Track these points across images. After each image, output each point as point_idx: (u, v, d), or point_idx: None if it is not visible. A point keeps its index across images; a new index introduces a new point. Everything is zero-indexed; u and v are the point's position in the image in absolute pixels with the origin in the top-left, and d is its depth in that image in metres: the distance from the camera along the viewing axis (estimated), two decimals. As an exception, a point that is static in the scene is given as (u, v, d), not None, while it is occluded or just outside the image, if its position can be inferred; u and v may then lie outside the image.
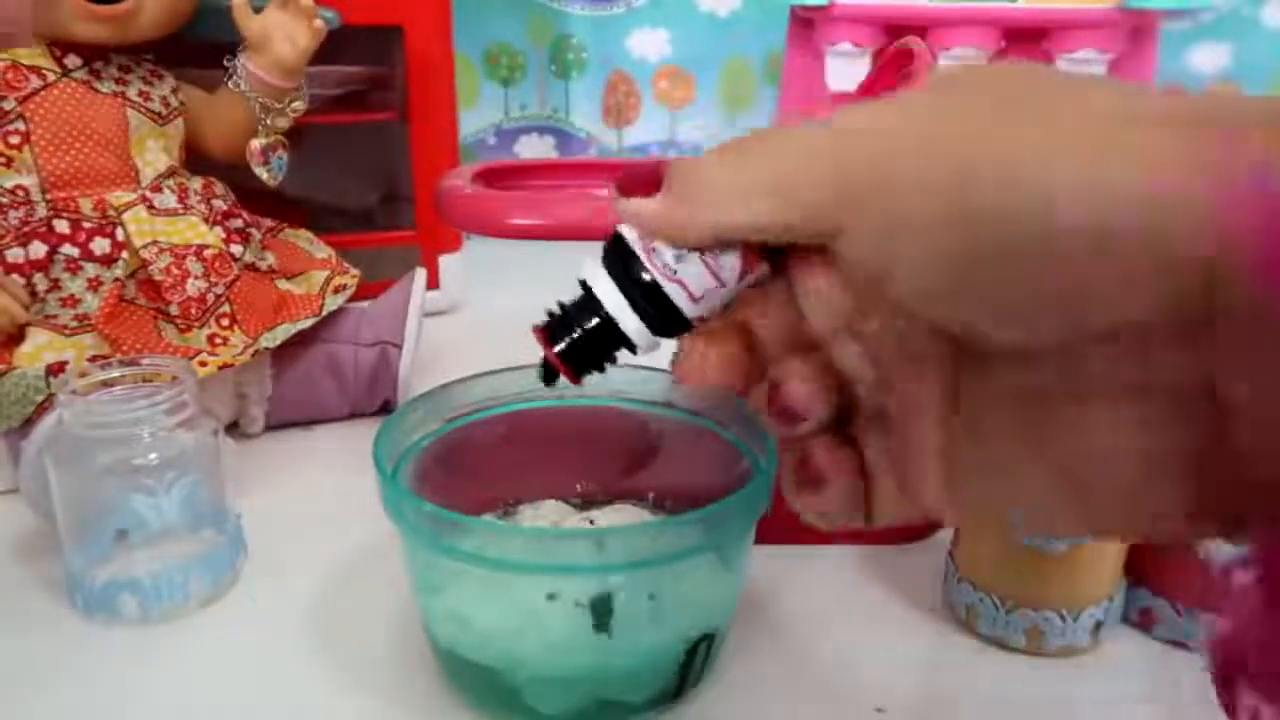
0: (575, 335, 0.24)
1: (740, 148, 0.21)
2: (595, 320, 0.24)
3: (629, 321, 0.23)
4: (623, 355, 0.24)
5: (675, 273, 0.23)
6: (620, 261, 0.23)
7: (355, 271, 0.60)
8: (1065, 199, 0.16)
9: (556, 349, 0.24)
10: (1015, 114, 0.18)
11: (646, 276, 0.23)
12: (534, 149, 1.04)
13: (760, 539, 0.36)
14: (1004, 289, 0.17)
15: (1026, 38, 0.84)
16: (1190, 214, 0.15)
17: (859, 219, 0.19)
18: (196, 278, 0.51)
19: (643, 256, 0.23)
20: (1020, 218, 0.16)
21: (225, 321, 0.52)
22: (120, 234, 0.51)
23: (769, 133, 0.21)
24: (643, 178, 0.22)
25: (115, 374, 0.41)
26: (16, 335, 0.48)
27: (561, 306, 0.24)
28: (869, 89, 0.73)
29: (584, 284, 0.24)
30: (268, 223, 0.60)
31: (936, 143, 0.18)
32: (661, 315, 0.23)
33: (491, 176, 0.42)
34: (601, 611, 0.32)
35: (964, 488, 0.21)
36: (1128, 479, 0.18)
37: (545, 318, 0.24)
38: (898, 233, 0.18)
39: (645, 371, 0.41)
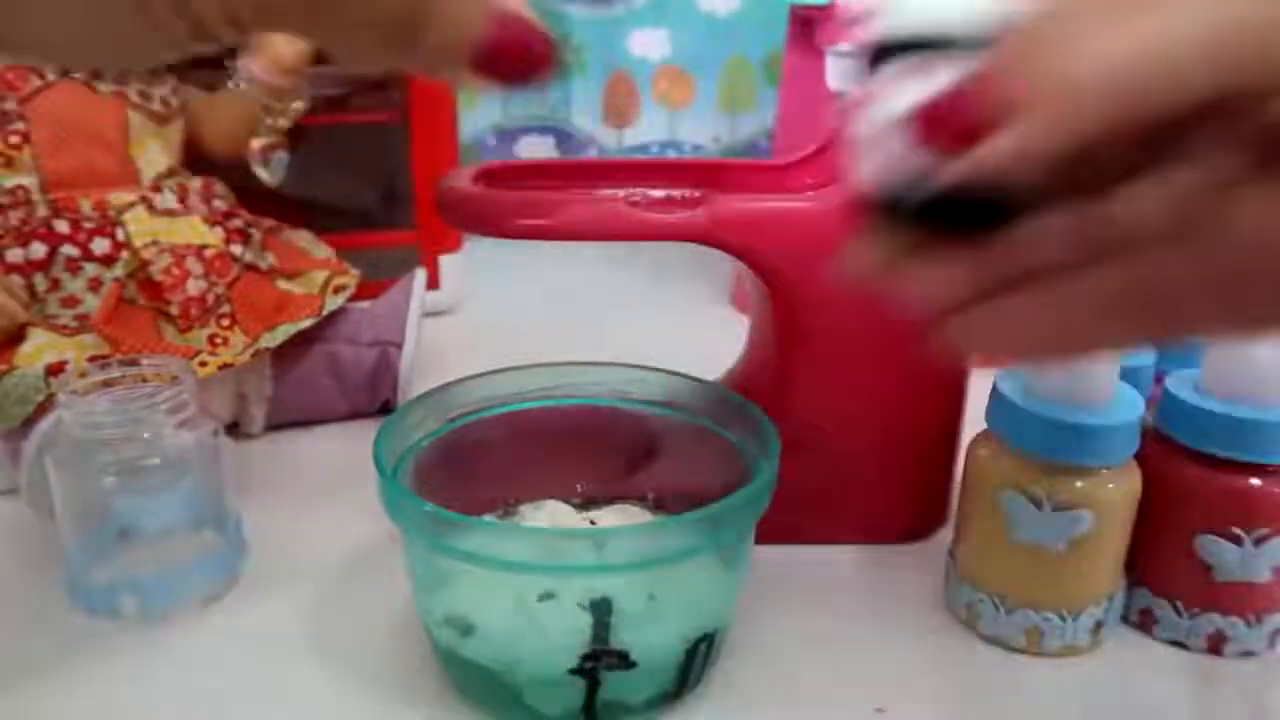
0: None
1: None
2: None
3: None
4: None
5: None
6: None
7: (355, 271, 0.60)
8: None
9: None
10: None
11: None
12: (534, 149, 1.04)
13: (760, 539, 0.36)
14: None
15: (1026, 38, 0.84)
16: None
17: None
18: (197, 277, 0.51)
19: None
20: None
21: (225, 321, 0.52)
22: (120, 234, 0.51)
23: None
24: (953, 110, 0.19)
25: (115, 374, 0.41)
26: (16, 335, 0.48)
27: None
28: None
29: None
30: (268, 222, 0.60)
31: None
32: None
33: (493, 177, 0.42)
34: (601, 612, 0.32)
35: None
36: None
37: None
38: None
39: (645, 371, 0.41)
